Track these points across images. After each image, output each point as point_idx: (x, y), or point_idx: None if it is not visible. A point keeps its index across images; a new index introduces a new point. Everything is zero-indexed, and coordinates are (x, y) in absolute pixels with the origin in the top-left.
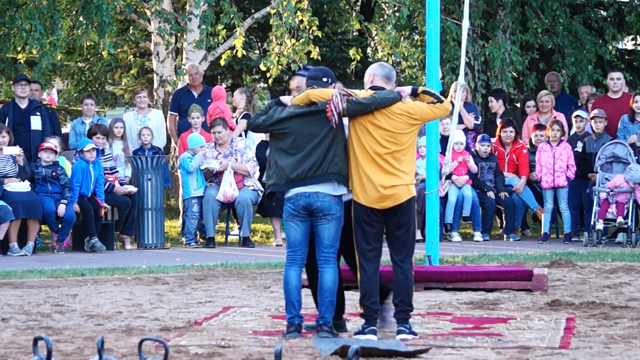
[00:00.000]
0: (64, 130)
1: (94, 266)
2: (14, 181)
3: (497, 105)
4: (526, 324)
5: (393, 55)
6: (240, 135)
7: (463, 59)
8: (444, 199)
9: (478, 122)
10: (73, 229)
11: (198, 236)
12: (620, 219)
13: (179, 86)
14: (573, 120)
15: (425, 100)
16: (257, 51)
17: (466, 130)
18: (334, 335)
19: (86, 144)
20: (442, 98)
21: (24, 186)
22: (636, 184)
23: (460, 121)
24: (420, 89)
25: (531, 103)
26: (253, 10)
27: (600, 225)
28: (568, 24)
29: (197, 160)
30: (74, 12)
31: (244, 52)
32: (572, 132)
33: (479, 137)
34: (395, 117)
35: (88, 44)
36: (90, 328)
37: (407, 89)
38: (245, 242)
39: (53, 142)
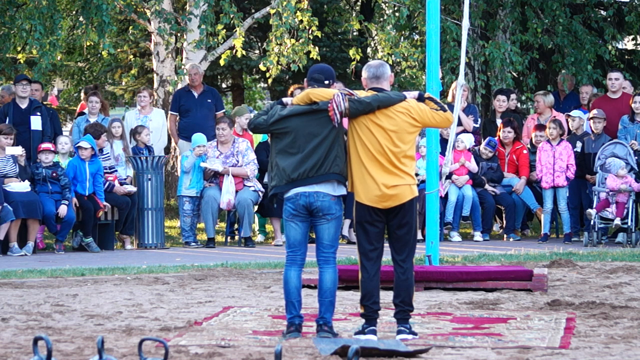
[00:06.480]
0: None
1: (94, 266)
2: (14, 181)
3: (505, 105)
4: (526, 324)
5: (393, 55)
6: None
7: (463, 59)
8: (444, 199)
9: (477, 125)
10: (72, 228)
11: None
12: (617, 221)
13: (179, 86)
14: (565, 119)
15: (430, 106)
16: (257, 51)
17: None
18: (334, 335)
19: (82, 142)
20: (447, 108)
21: (24, 186)
22: (623, 169)
23: (459, 123)
24: (427, 94)
25: (501, 97)
26: (253, 10)
27: (593, 213)
28: (568, 23)
29: (190, 162)
30: (74, 12)
31: (244, 52)
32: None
33: (485, 140)
34: (396, 116)
35: (88, 44)
36: (90, 328)
37: (414, 93)
38: (246, 242)
39: (60, 141)
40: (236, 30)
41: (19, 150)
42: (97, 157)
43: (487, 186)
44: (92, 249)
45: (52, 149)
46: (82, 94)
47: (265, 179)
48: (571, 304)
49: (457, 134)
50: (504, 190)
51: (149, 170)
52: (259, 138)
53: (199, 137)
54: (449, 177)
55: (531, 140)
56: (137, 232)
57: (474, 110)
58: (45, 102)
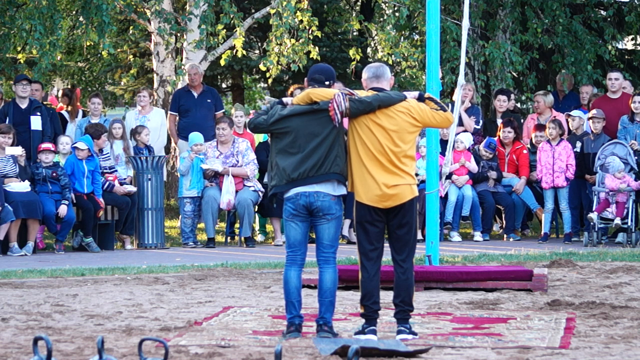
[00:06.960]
0: None
1: (94, 266)
2: (14, 181)
3: (506, 105)
4: (526, 324)
5: (393, 55)
6: None
7: (463, 59)
8: (444, 199)
9: (478, 127)
10: (72, 228)
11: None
12: (617, 220)
13: (179, 86)
14: (565, 119)
15: (430, 106)
16: (257, 51)
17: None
18: (334, 335)
19: (78, 143)
20: (447, 108)
21: (24, 186)
22: (620, 172)
23: (460, 123)
24: (427, 94)
25: (502, 97)
26: (253, 10)
27: (595, 217)
28: (568, 23)
29: (185, 165)
30: (74, 12)
31: (244, 52)
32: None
33: (485, 141)
34: (397, 116)
35: (88, 44)
36: (90, 328)
37: (414, 93)
38: (246, 242)
39: (61, 141)
40: (236, 30)
41: (19, 150)
42: (94, 157)
43: (489, 175)
44: (92, 249)
45: (52, 149)
46: (60, 95)
47: (265, 179)
48: (571, 304)
49: (457, 134)
50: (504, 190)
51: (149, 170)
52: (259, 138)
53: (195, 136)
54: (449, 177)
55: (531, 140)
56: (137, 232)
57: (476, 111)
58: (45, 102)
